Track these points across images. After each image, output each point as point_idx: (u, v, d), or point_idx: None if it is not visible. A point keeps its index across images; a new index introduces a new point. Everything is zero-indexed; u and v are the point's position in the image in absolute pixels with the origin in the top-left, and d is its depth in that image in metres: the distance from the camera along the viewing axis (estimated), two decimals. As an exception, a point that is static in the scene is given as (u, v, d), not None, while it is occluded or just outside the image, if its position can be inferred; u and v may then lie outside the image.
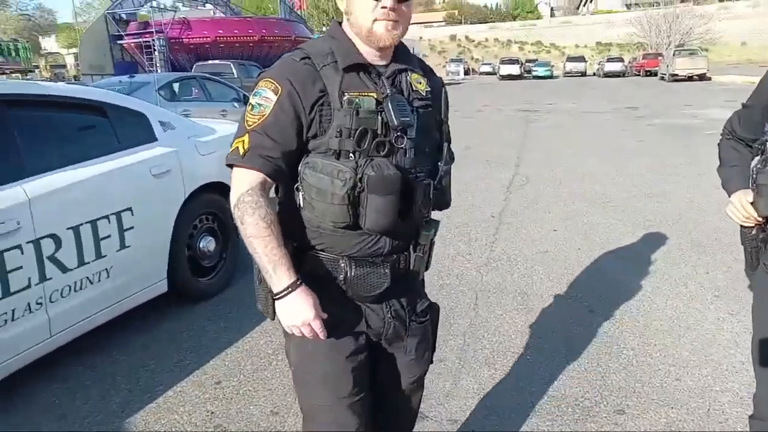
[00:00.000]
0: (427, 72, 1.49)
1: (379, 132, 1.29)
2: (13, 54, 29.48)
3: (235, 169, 1.32)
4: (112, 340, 3.18)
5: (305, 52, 1.35)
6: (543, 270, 4.13)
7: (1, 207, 2.41)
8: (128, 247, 3.03)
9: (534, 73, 41.23)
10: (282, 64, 1.37)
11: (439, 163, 1.44)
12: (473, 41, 64.10)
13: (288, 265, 1.28)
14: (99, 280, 2.88)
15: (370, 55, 1.36)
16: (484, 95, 24.71)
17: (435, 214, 1.52)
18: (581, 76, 42.09)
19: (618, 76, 38.07)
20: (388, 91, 1.31)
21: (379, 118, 1.28)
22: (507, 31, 64.43)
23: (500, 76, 41.08)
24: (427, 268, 1.52)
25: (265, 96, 1.31)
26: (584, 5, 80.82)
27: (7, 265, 2.41)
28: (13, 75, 29.98)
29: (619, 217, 5.35)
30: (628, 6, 65.25)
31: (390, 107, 1.28)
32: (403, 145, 1.32)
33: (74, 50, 43.72)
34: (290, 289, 1.27)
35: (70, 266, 2.71)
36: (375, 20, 1.28)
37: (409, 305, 1.52)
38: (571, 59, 45.20)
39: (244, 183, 1.29)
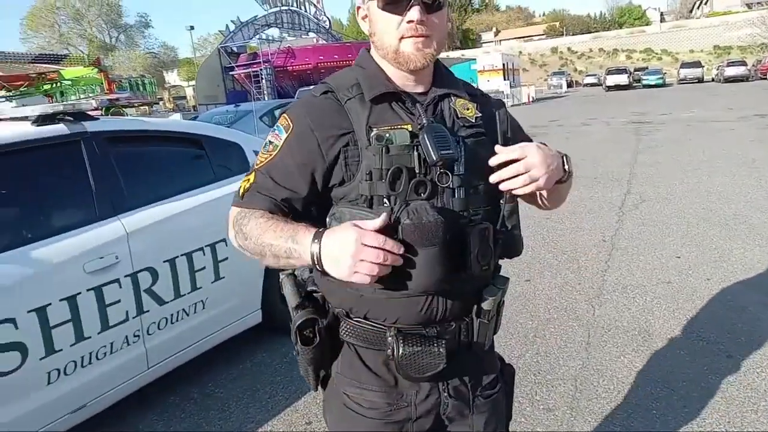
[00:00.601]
0: (477, 96, 1.27)
1: (417, 170, 1.08)
2: (141, 89, 32.32)
3: (231, 209, 1.19)
4: (207, 372, 3.17)
5: (327, 85, 1.18)
6: (666, 304, 3.66)
7: (100, 242, 2.46)
8: (223, 278, 3.01)
9: (644, 82, 38.82)
10: (301, 99, 1.22)
11: (501, 201, 1.18)
12: (576, 52, 61.71)
13: (307, 226, 1.07)
14: (195, 312, 2.88)
15: (403, 81, 1.17)
16: (590, 107, 23.56)
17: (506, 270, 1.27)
18: (698, 82, 39.07)
19: (741, 80, 34.89)
20: (425, 121, 1.11)
21: (416, 153, 1.07)
22: (613, 40, 61.36)
23: (606, 86, 39.08)
24: (495, 332, 1.27)
25: (277, 133, 1.17)
26: (698, 8, 75.51)
27: (105, 299, 2.45)
28: (141, 107, 32.97)
29: (756, 242, 4.69)
30: (749, 5, 59.97)
31: (426, 139, 1.06)
32: (448, 184, 1.10)
33: (193, 83, 47.36)
34: (317, 238, 1.02)
35: (167, 299, 2.72)
36: (402, 38, 1.11)
37: (473, 380, 1.26)
38: (685, 65, 42.09)
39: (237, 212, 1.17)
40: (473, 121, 1.19)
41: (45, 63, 21.06)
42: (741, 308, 3.50)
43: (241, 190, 1.18)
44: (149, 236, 2.68)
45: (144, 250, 2.62)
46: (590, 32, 67.94)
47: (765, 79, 34.07)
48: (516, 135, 1.30)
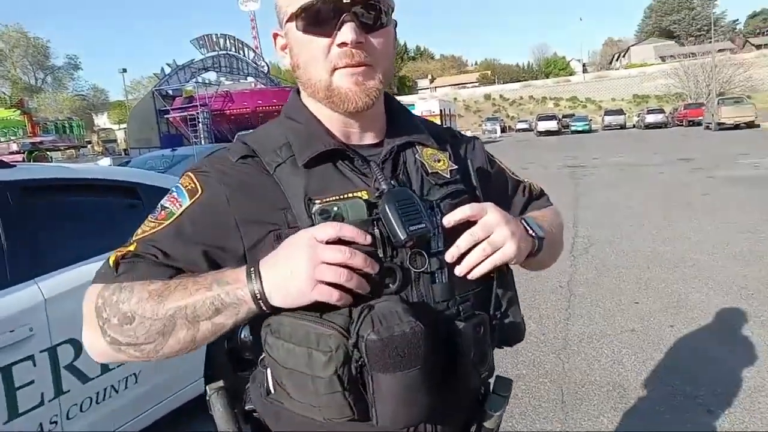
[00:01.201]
0: (446, 139, 0.99)
1: (380, 254, 0.80)
2: (68, 131, 31.02)
3: (89, 292, 0.84)
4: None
5: (247, 147, 0.89)
6: (633, 354, 3.53)
7: (10, 312, 2.06)
8: (160, 345, 2.63)
9: (572, 128, 40.74)
10: (213, 158, 0.90)
11: (492, 276, 0.88)
12: (508, 99, 64.50)
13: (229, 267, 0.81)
14: (126, 387, 2.48)
15: (344, 128, 0.90)
16: (525, 152, 24.32)
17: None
18: (621, 128, 41.44)
19: (660, 127, 37.28)
20: (384, 186, 0.82)
21: (377, 230, 0.80)
22: (541, 89, 64.67)
23: (538, 132, 40.79)
24: None
25: (175, 197, 0.87)
26: (617, 60, 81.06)
27: (15, 381, 2.03)
28: (67, 151, 31.50)
29: (709, 285, 4.70)
30: (663, 58, 64.98)
31: (389, 211, 0.78)
32: (424, 267, 0.83)
33: (124, 126, 45.88)
34: (253, 268, 0.76)
35: (92, 375, 2.31)
36: (334, 69, 0.84)
37: None
38: (609, 113, 44.70)
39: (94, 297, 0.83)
40: (448, 176, 0.91)
41: (-39, 104, 19.76)
42: (710, 358, 3.40)
43: (111, 260, 0.84)
44: (73, 301, 2.27)
45: (66, 318, 2.22)
46: (520, 81, 71.38)
47: (681, 125, 36.53)
48: (500, 178, 1.04)
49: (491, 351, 0.89)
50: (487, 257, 0.84)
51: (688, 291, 4.60)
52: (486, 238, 0.84)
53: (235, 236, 0.83)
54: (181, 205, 0.85)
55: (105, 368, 2.36)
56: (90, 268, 2.41)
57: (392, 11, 0.87)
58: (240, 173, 0.86)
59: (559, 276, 5.28)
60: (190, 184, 0.87)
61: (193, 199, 0.85)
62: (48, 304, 2.18)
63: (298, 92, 0.95)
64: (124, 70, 50.30)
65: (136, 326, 0.77)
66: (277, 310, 0.76)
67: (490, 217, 0.85)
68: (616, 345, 3.68)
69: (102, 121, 72.46)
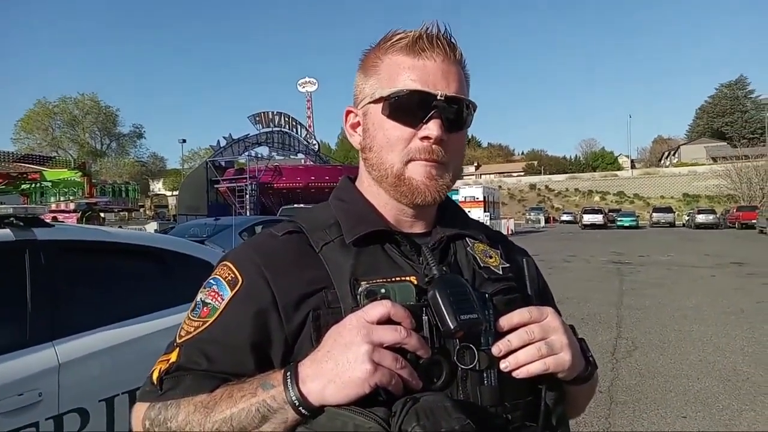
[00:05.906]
0: (498, 240, 0.97)
1: (427, 344, 0.74)
2: (123, 194, 32.45)
3: (136, 410, 0.83)
4: None
5: (295, 224, 0.88)
6: (681, 476, 3.20)
7: (22, 375, 2.02)
8: (171, 421, 2.52)
9: (618, 223, 40.24)
10: (253, 239, 0.91)
11: (541, 387, 0.80)
12: (553, 191, 64.51)
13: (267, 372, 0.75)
14: (129, 465, 2.36)
15: (396, 216, 0.89)
16: (569, 244, 23.89)
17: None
18: (669, 226, 40.53)
19: (711, 227, 36.33)
20: (435, 272, 0.78)
21: (425, 317, 0.74)
22: (587, 182, 64.61)
23: (583, 225, 40.38)
24: None
25: (216, 290, 0.83)
26: (666, 158, 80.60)
27: (15, 449, 1.96)
28: (120, 213, 32.90)
29: (765, 402, 4.30)
30: (714, 159, 64.26)
31: (439, 297, 0.73)
32: (473, 364, 0.75)
33: (177, 193, 47.87)
34: (289, 372, 0.70)
35: (96, 448, 2.22)
36: (410, 161, 0.84)
37: None
38: (657, 210, 44.12)
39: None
40: (500, 272, 0.88)
41: (29, 163, 21.09)
42: (768, 489, 3.05)
43: (155, 376, 0.80)
44: (87, 368, 2.23)
45: (77, 385, 2.16)
46: (566, 172, 71.51)
47: (733, 227, 35.42)
48: (545, 298, 0.97)
49: None
50: (542, 358, 0.76)
51: (741, 409, 4.21)
52: (542, 340, 0.77)
53: (277, 324, 0.79)
54: (222, 299, 0.82)
55: (110, 442, 2.27)
56: (112, 334, 2.39)
57: (475, 111, 0.88)
58: (282, 249, 0.84)
59: (600, 380, 4.93)
60: (229, 274, 0.83)
61: (234, 291, 0.81)
62: (62, 369, 2.13)
63: (350, 179, 0.96)
64: (184, 141, 53.32)
65: None
66: (322, 410, 0.69)
67: (550, 320, 0.79)
68: (661, 464, 3.35)
69: (157, 186, 75.93)
